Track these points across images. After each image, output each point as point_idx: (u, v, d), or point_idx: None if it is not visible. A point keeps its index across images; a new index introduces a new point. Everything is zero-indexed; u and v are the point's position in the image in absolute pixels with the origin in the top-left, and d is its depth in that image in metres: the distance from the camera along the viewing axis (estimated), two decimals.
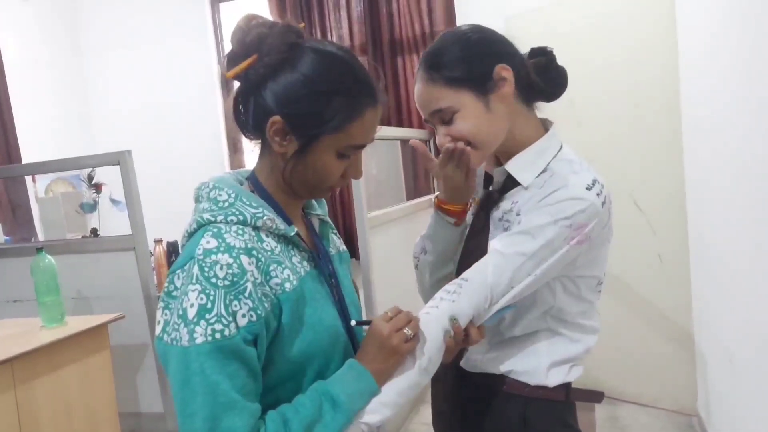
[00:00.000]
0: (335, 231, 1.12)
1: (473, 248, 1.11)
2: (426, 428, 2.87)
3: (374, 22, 3.56)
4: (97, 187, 3.71)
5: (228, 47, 0.92)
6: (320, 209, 1.08)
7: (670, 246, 2.76)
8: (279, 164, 0.92)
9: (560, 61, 1.13)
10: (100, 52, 4.27)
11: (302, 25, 0.95)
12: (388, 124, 3.56)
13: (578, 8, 2.91)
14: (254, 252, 0.85)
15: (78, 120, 4.21)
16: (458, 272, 1.07)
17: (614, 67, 2.81)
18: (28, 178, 3.64)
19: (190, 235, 0.89)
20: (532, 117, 1.12)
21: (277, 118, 0.87)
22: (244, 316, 0.81)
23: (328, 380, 0.90)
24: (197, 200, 0.93)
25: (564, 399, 1.11)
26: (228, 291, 0.80)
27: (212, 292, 0.80)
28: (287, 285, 0.87)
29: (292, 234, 0.91)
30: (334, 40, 3.67)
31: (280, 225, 0.90)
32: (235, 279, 0.81)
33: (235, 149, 3.98)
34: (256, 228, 0.89)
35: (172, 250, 3.05)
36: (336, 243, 1.10)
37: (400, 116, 3.58)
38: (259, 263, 0.85)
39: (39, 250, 2.15)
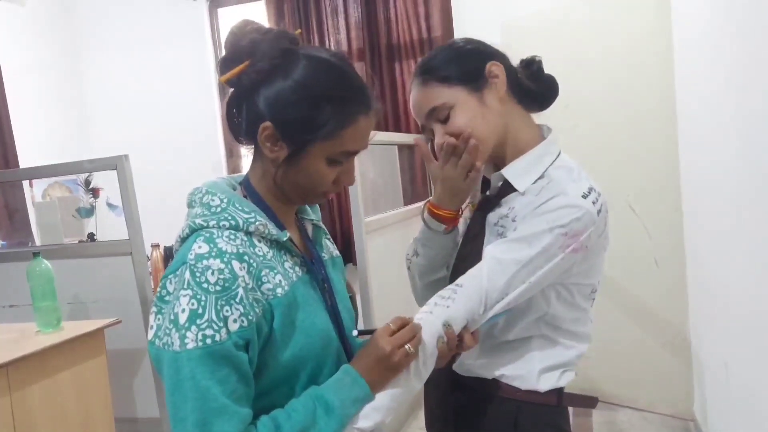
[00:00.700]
0: (329, 236, 1.13)
1: (468, 253, 1.12)
2: None
3: (372, 27, 3.57)
4: (94, 192, 3.70)
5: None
6: (314, 214, 1.09)
7: (666, 250, 2.77)
8: (271, 170, 0.92)
9: (556, 67, 1.15)
10: (97, 57, 4.28)
11: (298, 31, 0.95)
12: (386, 129, 3.56)
13: (574, 14, 2.92)
14: (246, 257, 0.85)
15: (75, 124, 4.21)
16: (453, 277, 1.07)
17: (610, 72, 2.83)
18: (25, 183, 3.63)
19: (183, 240, 0.89)
20: (529, 122, 1.13)
21: (268, 123, 0.88)
22: (235, 321, 0.81)
23: (322, 385, 0.90)
24: (190, 205, 0.94)
25: (556, 403, 1.11)
26: (219, 296, 0.80)
27: (203, 298, 0.80)
28: (279, 290, 0.88)
29: (285, 239, 0.92)
30: (332, 45, 3.68)
31: (272, 230, 0.90)
32: (226, 284, 0.81)
33: (231, 154, 3.99)
34: (248, 233, 0.89)
35: (169, 254, 3.05)
36: (329, 248, 1.11)
37: (397, 121, 3.59)
38: (251, 268, 0.85)
39: (35, 254, 2.15)
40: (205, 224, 0.87)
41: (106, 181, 3.53)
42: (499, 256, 1.01)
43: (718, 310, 2.07)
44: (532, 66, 1.12)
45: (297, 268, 0.94)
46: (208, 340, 0.79)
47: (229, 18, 4.12)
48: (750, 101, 1.49)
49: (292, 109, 0.87)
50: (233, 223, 0.87)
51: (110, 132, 4.23)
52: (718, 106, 1.87)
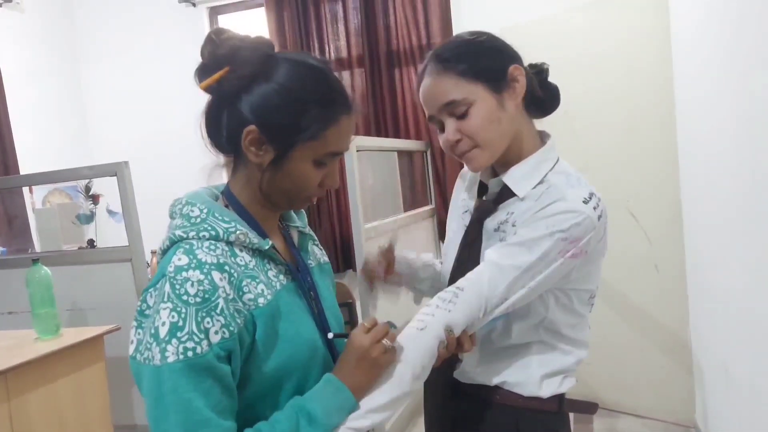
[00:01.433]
0: (317, 242, 1.12)
1: (467, 258, 1.12)
2: None
3: (371, 34, 3.58)
4: (94, 198, 3.70)
5: None
6: (299, 221, 1.08)
7: (666, 256, 2.77)
8: (255, 176, 0.92)
9: (555, 73, 1.15)
10: (97, 63, 4.28)
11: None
12: (385, 135, 3.57)
13: (572, 20, 2.94)
14: (226, 267, 0.84)
15: (75, 131, 4.22)
16: (450, 281, 1.06)
17: (609, 77, 2.83)
18: (25, 189, 3.63)
19: (164, 252, 0.89)
20: (532, 128, 1.13)
21: (252, 127, 0.87)
22: (216, 333, 0.80)
23: (305, 396, 0.89)
24: (171, 216, 0.93)
25: (557, 410, 1.11)
26: (199, 308, 0.79)
27: (183, 310, 0.79)
28: (261, 300, 0.87)
29: (267, 247, 0.91)
30: (332, 52, 3.69)
31: (254, 239, 0.89)
32: (206, 296, 0.80)
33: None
34: (229, 243, 0.88)
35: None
36: (317, 254, 1.09)
37: (397, 127, 3.59)
38: (232, 279, 0.84)
39: (35, 261, 2.14)
40: (185, 235, 0.86)
41: (106, 187, 3.53)
42: (499, 261, 1.00)
43: (719, 315, 2.07)
44: (542, 73, 1.12)
45: (281, 277, 0.94)
46: (190, 353, 0.78)
47: (230, 24, 4.13)
48: (749, 105, 1.49)
49: (277, 111, 0.87)
50: (213, 233, 0.86)
51: (110, 138, 4.23)
52: (717, 111, 1.87)
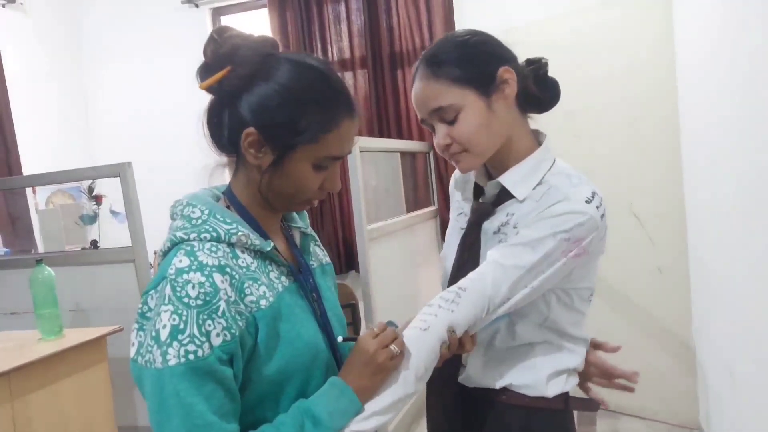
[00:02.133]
0: (318, 243, 1.11)
1: (465, 261, 1.11)
2: None
3: (374, 35, 3.58)
4: (97, 199, 3.71)
5: None
6: (301, 222, 1.07)
7: (669, 258, 2.76)
8: (255, 177, 0.91)
9: (558, 74, 1.14)
10: (100, 64, 4.29)
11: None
12: (388, 136, 3.57)
13: (576, 21, 2.93)
14: (228, 269, 0.83)
15: (78, 132, 4.22)
16: (450, 284, 1.06)
17: (612, 79, 2.83)
18: (28, 190, 3.64)
19: (165, 253, 0.88)
20: (527, 128, 1.12)
21: (251, 129, 0.86)
22: (218, 335, 0.79)
23: (310, 398, 0.89)
24: (172, 218, 0.92)
25: (563, 408, 1.11)
26: (201, 311, 0.79)
27: (185, 313, 0.78)
28: (263, 302, 0.86)
29: (268, 249, 0.90)
30: (335, 52, 3.69)
31: (255, 240, 0.88)
32: (207, 298, 0.79)
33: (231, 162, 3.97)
34: (230, 244, 0.87)
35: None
36: (319, 255, 1.09)
37: (399, 128, 3.59)
38: (233, 281, 0.83)
39: (38, 261, 2.15)
40: (186, 237, 0.86)
41: (109, 188, 3.54)
42: (501, 261, 1.00)
43: (723, 317, 2.06)
44: (539, 69, 1.10)
45: (283, 278, 0.93)
46: (191, 356, 0.77)
47: (233, 25, 4.13)
48: (753, 106, 1.49)
49: (276, 113, 0.86)
50: (214, 234, 0.86)
51: (113, 139, 4.24)
52: (720, 111, 1.87)
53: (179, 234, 0.86)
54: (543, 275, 0.99)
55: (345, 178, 2.48)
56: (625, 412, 2.94)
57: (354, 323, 3.06)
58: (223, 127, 0.90)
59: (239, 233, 0.87)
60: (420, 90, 1.07)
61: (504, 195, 1.09)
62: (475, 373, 1.14)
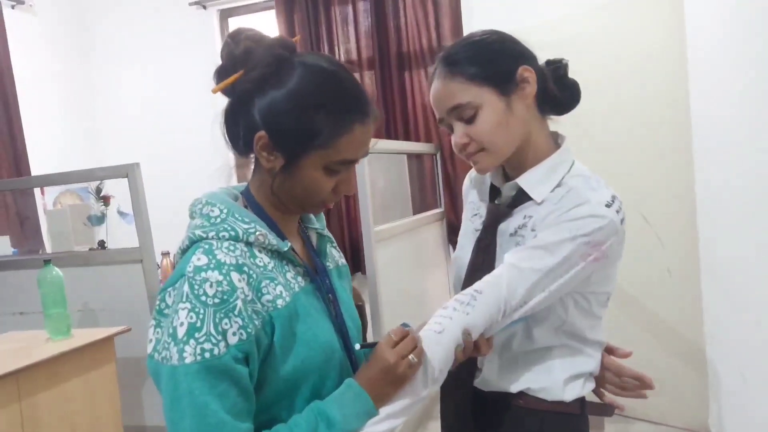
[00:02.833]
0: (335, 244, 1.11)
1: (481, 263, 1.10)
2: None
3: (381, 36, 3.58)
4: (105, 200, 3.72)
5: None
6: (318, 223, 1.07)
7: (679, 259, 2.74)
8: (268, 179, 0.91)
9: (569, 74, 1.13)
10: (108, 66, 4.31)
11: (296, 38, 0.94)
12: (395, 137, 3.56)
13: (585, 22, 2.92)
14: (245, 268, 0.84)
15: (86, 133, 4.24)
16: (465, 287, 1.05)
17: (622, 79, 2.81)
18: (36, 191, 3.66)
19: (183, 251, 0.88)
20: (546, 129, 1.11)
21: (262, 133, 0.86)
22: (234, 334, 0.79)
23: (325, 400, 0.89)
24: (191, 216, 0.92)
25: (580, 412, 1.10)
26: (218, 309, 0.79)
27: (202, 311, 0.79)
28: (279, 302, 0.86)
29: (285, 249, 0.90)
30: (342, 53, 3.69)
31: (273, 240, 0.89)
32: (224, 297, 0.80)
33: (240, 163, 3.98)
34: (248, 243, 0.87)
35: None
36: (335, 257, 1.09)
37: (407, 130, 3.58)
38: (251, 280, 0.84)
39: (46, 262, 2.15)
40: (204, 235, 0.86)
41: (117, 189, 3.55)
42: (518, 264, 0.99)
43: (735, 319, 2.04)
44: (559, 70, 1.09)
45: (299, 278, 0.93)
46: (207, 354, 0.78)
47: (250, 27, 4.14)
48: (766, 107, 1.47)
49: (286, 118, 0.85)
50: (233, 233, 0.86)
51: (121, 140, 4.25)
52: (733, 112, 1.85)
53: (198, 232, 0.87)
54: (561, 279, 0.98)
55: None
56: (635, 415, 2.92)
57: (361, 325, 3.05)
58: (239, 129, 0.90)
59: (257, 232, 0.87)
60: (438, 89, 1.06)
61: (521, 197, 1.08)
62: (491, 376, 1.13)
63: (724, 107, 1.97)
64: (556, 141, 1.12)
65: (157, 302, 0.84)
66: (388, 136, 3.57)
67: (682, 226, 2.71)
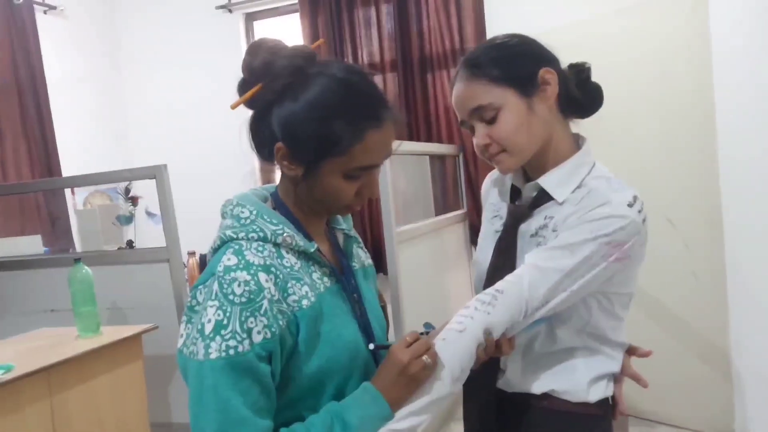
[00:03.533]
0: (361, 245, 1.13)
1: (502, 265, 1.10)
2: None
3: (404, 39, 3.59)
4: (134, 200, 3.79)
5: None
6: (345, 224, 1.09)
7: (705, 263, 2.70)
8: (294, 185, 0.95)
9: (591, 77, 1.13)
10: (137, 68, 4.39)
11: (320, 41, 0.96)
12: (417, 139, 3.57)
13: (608, 25, 2.89)
14: (272, 269, 0.86)
15: (115, 134, 4.32)
16: (486, 288, 1.06)
17: (645, 81, 2.78)
18: (67, 191, 3.74)
19: (214, 251, 0.92)
20: (567, 131, 1.12)
21: (281, 144, 0.89)
22: (259, 333, 0.82)
23: (342, 402, 0.90)
24: (222, 216, 0.96)
25: (603, 414, 1.10)
26: (244, 308, 0.82)
27: (229, 309, 0.82)
28: (305, 302, 0.88)
29: (312, 250, 0.92)
30: (364, 56, 3.71)
31: (300, 241, 0.91)
32: (251, 296, 0.82)
33: (264, 165, 4.01)
34: (276, 244, 0.90)
35: (205, 262, 3.09)
36: (361, 257, 1.10)
37: (429, 131, 3.59)
38: (277, 280, 0.86)
39: (76, 260, 2.20)
40: (234, 236, 0.89)
41: (145, 189, 3.61)
42: (540, 264, 0.99)
43: (762, 323, 2.01)
44: (582, 73, 1.10)
45: (325, 279, 0.95)
46: (231, 351, 0.81)
47: (266, 30, 4.19)
48: None
49: (301, 129, 0.88)
50: (261, 234, 0.89)
51: (149, 142, 4.32)
52: (759, 113, 1.83)
53: (229, 233, 0.90)
54: (582, 279, 0.98)
55: None
56: (659, 420, 2.88)
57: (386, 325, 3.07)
58: (263, 139, 0.93)
59: (285, 234, 0.90)
60: (460, 91, 1.07)
61: (542, 197, 1.08)
62: (514, 377, 1.13)
63: (750, 108, 1.95)
64: (577, 143, 1.12)
65: (189, 299, 0.88)
66: (411, 138, 3.58)
67: (707, 229, 2.67)
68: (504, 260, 1.11)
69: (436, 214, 3.40)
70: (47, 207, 3.57)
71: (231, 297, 0.82)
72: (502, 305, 0.98)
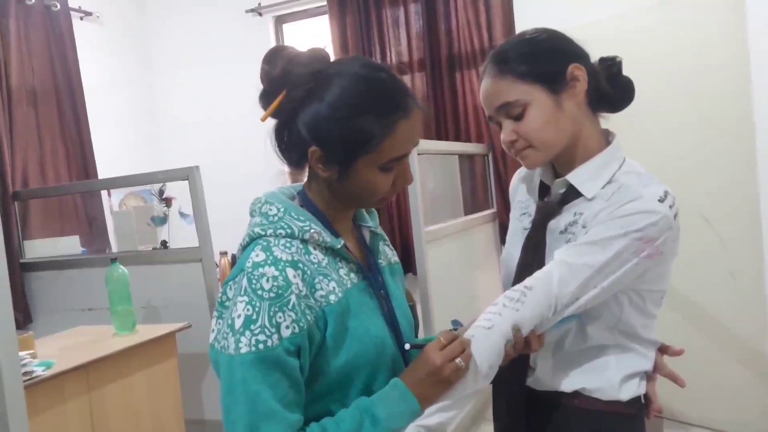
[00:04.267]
0: (388, 243, 1.13)
1: (531, 261, 1.10)
2: None
3: (433, 38, 3.58)
4: (167, 201, 3.86)
5: None
6: (371, 221, 1.09)
7: (742, 262, 2.63)
8: (327, 186, 0.96)
9: (624, 72, 1.11)
10: (170, 72, 4.46)
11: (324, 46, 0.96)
12: (446, 138, 3.56)
13: (641, 19, 2.84)
14: (300, 265, 0.88)
15: (149, 137, 4.40)
16: (515, 284, 1.06)
17: (680, 77, 2.73)
18: (103, 193, 3.82)
19: (244, 248, 0.94)
20: (597, 126, 1.10)
21: (315, 148, 0.90)
22: (287, 327, 0.84)
23: (372, 397, 0.91)
24: (251, 214, 0.98)
25: (636, 412, 1.09)
26: (273, 303, 0.84)
27: (258, 304, 0.83)
28: (332, 297, 0.90)
29: (339, 246, 0.94)
30: (393, 56, 3.71)
31: (327, 238, 0.92)
32: (280, 291, 0.84)
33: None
34: (303, 241, 0.92)
35: (236, 261, 3.14)
36: (388, 255, 1.11)
37: (458, 130, 3.58)
38: (305, 276, 0.88)
39: (113, 260, 2.26)
40: (263, 233, 0.91)
41: (178, 191, 3.68)
42: (569, 260, 0.98)
43: None
44: (613, 67, 1.09)
45: (352, 275, 0.96)
46: (261, 345, 0.82)
47: (295, 33, 4.23)
48: None
49: (331, 130, 0.89)
50: (289, 231, 0.91)
51: (182, 144, 4.39)
52: None
53: (257, 230, 0.92)
54: (614, 275, 0.97)
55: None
56: (695, 423, 2.82)
57: (414, 322, 3.07)
58: (291, 146, 0.94)
59: (312, 230, 0.92)
60: (487, 87, 1.07)
61: (571, 194, 1.07)
62: (544, 375, 1.12)
63: None
64: (606, 138, 1.11)
65: (220, 295, 0.90)
66: (439, 137, 3.57)
67: (745, 227, 2.60)
68: (533, 257, 1.10)
69: (465, 214, 3.38)
70: (85, 208, 3.65)
71: (260, 292, 0.84)
72: (531, 302, 0.97)
